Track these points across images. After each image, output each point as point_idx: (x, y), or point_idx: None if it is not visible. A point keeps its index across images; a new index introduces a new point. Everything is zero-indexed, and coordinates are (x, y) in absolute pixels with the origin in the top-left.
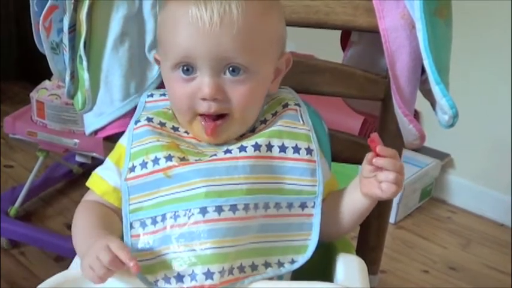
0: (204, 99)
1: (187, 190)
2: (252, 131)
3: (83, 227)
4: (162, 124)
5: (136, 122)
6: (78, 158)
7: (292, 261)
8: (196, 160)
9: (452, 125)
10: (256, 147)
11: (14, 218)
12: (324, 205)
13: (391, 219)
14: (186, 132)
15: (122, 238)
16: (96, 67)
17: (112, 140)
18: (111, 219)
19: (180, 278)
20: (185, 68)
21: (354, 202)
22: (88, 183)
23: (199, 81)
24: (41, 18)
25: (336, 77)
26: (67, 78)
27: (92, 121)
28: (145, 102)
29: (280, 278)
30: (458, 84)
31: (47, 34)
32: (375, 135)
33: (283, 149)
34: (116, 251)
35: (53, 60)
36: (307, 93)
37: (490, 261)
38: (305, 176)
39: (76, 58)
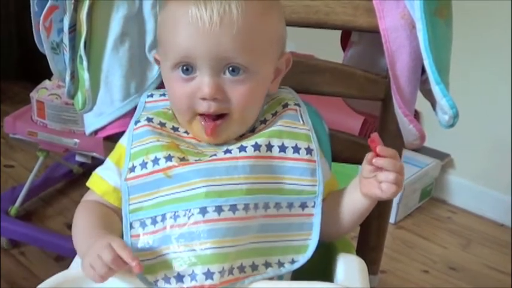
0: (203, 98)
1: (187, 190)
2: (252, 131)
3: (83, 226)
4: (162, 124)
5: (137, 122)
6: (78, 158)
7: (293, 261)
8: (196, 160)
9: (452, 125)
10: (256, 147)
11: (14, 218)
12: (324, 205)
13: (391, 219)
14: (186, 132)
15: (121, 238)
16: (97, 67)
17: (112, 140)
18: (111, 219)
19: (180, 278)
20: (185, 67)
21: (354, 202)
22: (88, 183)
23: (199, 81)
24: (41, 18)
25: (336, 77)
26: (67, 78)
27: (92, 121)
28: (145, 102)
29: (280, 278)
30: (458, 84)
31: (47, 34)
32: (375, 135)
33: (283, 149)
34: (118, 250)
35: (53, 60)
36: (307, 93)
37: (490, 262)
38: (305, 176)
39: (76, 58)
